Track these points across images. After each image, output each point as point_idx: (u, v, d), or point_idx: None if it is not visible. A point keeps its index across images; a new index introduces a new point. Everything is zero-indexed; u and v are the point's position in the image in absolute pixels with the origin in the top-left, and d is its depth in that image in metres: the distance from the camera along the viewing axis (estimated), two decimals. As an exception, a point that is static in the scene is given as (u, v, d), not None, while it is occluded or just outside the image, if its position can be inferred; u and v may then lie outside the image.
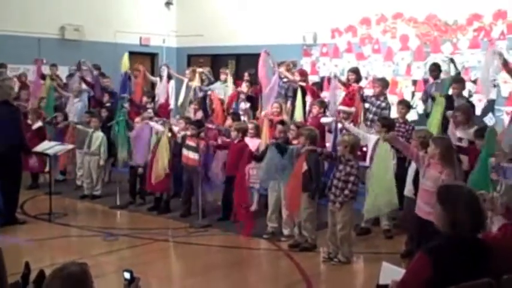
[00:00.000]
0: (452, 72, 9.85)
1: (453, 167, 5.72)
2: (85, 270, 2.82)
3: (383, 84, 9.44)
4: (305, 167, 6.90)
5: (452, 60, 10.16)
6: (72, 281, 2.73)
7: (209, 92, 11.24)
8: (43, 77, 12.24)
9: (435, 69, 9.92)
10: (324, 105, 9.43)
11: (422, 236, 5.20)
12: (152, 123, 9.16)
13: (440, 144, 5.75)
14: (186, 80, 12.01)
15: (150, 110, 10.27)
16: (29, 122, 10.13)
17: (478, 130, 7.02)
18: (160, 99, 11.84)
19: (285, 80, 10.55)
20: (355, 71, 10.13)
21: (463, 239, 3.17)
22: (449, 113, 7.97)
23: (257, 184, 8.26)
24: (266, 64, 10.29)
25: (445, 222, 3.19)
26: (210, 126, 9.30)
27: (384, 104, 9.15)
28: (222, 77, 11.64)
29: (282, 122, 8.16)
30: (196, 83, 11.74)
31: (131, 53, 14.68)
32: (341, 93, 9.72)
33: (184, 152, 8.57)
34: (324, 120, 9.00)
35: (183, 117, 9.59)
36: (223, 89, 11.40)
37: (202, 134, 8.74)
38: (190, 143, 8.50)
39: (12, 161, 8.02)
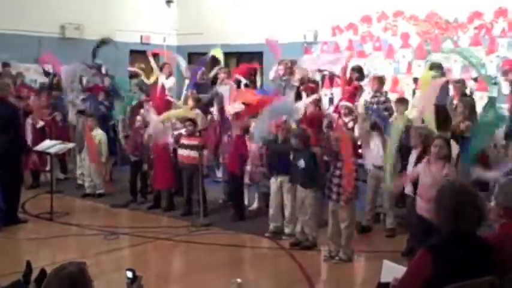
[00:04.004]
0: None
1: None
2: (83, 269, 2.81)
3: (376, 82, 9.35)
4: (302, 164, 6.92)
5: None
6: (70, 281, 2.73)
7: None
8: None
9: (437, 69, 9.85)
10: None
11: (424, 234, 5.20)
12: None
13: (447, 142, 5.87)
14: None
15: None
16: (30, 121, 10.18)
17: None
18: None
19: (284, 78, 10.52)
20: (359, 69, 9.99)
21: (464, 236, 3.18)
22: None
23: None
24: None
25: (446, 220, 3.18)
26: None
27: (382, 98, 9.12)
28: (221, 76, 11.20)
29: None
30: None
31: (132, 52, 14.69)
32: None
33: (180, 152, 8.58)
34: None
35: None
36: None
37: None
38: (188, 141, 8.52)
39: (12, 160, 8.00)
